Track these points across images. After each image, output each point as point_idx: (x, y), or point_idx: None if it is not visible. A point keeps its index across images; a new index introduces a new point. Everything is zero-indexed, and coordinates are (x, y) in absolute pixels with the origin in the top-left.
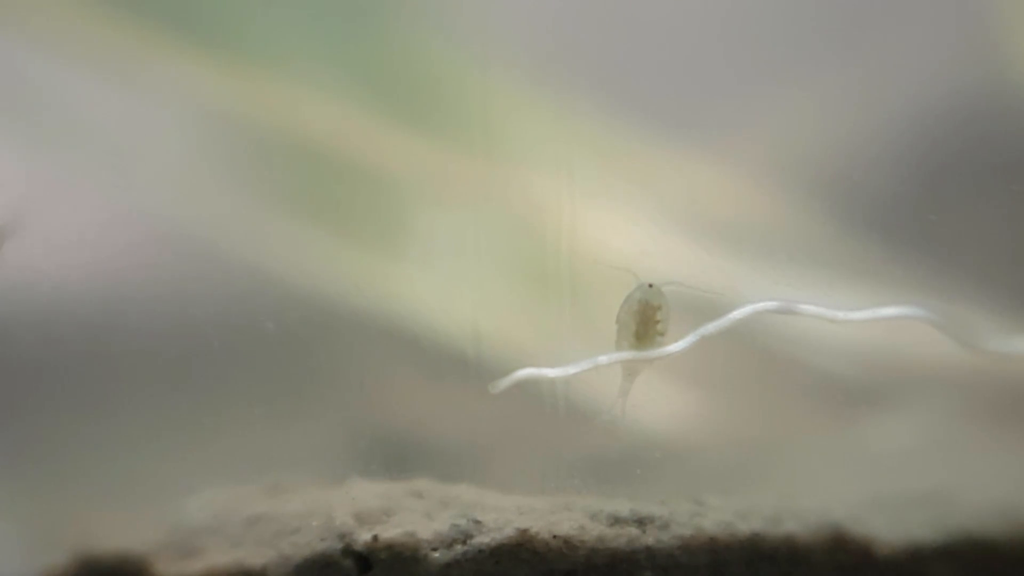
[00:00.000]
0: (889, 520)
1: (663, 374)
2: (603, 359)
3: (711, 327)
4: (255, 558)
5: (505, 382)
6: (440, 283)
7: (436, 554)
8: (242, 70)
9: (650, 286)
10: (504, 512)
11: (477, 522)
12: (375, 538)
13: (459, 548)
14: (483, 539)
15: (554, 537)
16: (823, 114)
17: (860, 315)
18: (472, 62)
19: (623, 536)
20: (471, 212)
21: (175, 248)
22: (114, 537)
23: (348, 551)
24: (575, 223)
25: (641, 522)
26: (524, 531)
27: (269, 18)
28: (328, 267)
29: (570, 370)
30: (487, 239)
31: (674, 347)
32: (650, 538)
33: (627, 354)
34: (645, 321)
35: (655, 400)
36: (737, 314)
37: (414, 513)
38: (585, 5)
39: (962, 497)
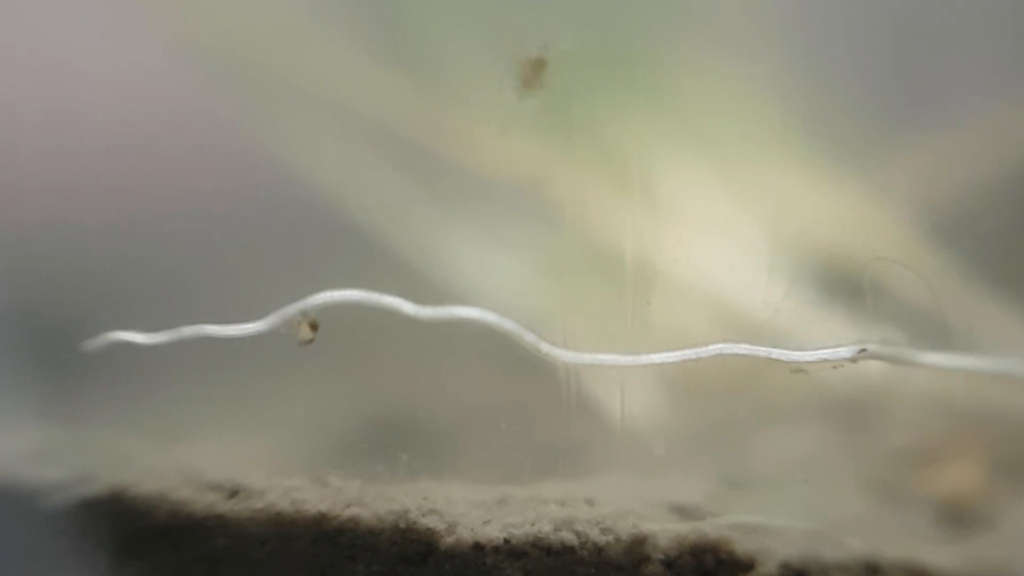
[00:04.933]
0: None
1: None
2: (188, 330)
3: (293, 308)
4: None
5: (98, 341)
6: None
7: None
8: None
9: None
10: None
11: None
12: None
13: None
14: (90, 487)
15: (146, 496)
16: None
17: (432, 312)
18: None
19: (203, 502)
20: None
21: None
22: None
23: None
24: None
25: (232, 492)
26: (118, 487)
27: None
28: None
29: (158, 338)
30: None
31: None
32: (225, 507)
33: (213, 328)
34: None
35: None
36: (321, 298)
37: None
38: None
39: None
